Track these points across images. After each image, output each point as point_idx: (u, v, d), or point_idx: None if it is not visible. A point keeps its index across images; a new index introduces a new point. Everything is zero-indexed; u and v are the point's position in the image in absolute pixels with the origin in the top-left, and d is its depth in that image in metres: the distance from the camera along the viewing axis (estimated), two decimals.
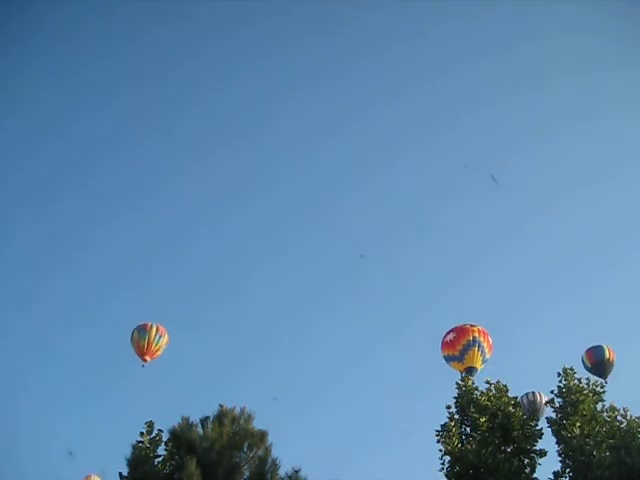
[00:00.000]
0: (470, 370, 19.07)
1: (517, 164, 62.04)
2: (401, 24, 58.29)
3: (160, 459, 15.74)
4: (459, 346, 18.82)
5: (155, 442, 16.03)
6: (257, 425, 15.12)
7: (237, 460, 14.53)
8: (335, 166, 65.53)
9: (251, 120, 65.01)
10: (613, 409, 16.77)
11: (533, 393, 29.52)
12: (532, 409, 28.33)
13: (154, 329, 30.98)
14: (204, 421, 15.02)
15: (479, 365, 18.96)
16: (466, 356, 18.92)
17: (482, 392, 17.53)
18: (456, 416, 17.30)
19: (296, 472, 14.52)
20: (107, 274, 58.24)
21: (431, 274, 59.72)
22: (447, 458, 16.57)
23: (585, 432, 16.24)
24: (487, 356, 19.35)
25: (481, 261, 60.90)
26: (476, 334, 18.19)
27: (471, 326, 18.34)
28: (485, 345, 19.08)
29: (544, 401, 29.31)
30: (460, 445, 16.54)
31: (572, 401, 16.99)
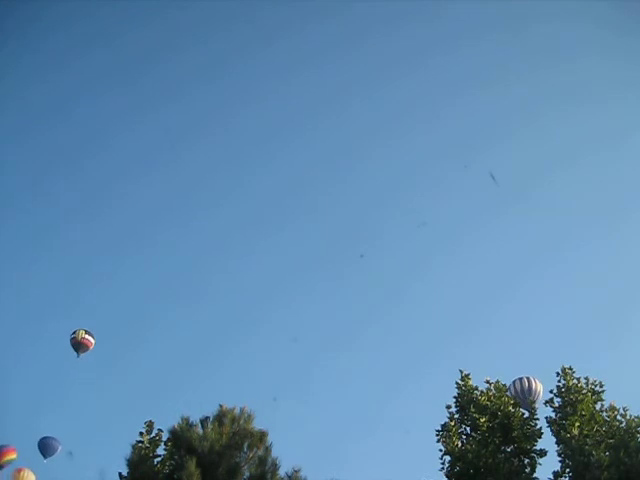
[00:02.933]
0: None
1: (504, 152, 62.01)
2: (387, 14, 58.33)
3: (160, 459, 15.77)
4: None
5: (155, 442, 16.05)
6: (258, 425, 15.12)
7: (237, 460, 14.51)
8: (319, 157, 65.54)
9: (236, 112, 65.23)
10: (613, 408, 16.78)
11: (528, 379, 29.01)
12: (524, 399, 28.18)
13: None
14: (204, 421, 15.00)
15: None
16: None
17: (482, 392, 17.51)
18: (456, 416, 17.30)
19: (296, 472, 14.52)
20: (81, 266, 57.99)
21: (420, 260, 59.63)
22: (447, 458, 16.58)
23: (584, 432, 16.24)
24: None
25: (469, 245, 60.86)
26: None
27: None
28: None
29: (539, 389, 29.08)
30: (460, 445, 16.56)
31: (571, 401, 16.99)
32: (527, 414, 17.25)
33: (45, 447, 32.61)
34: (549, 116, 60.20)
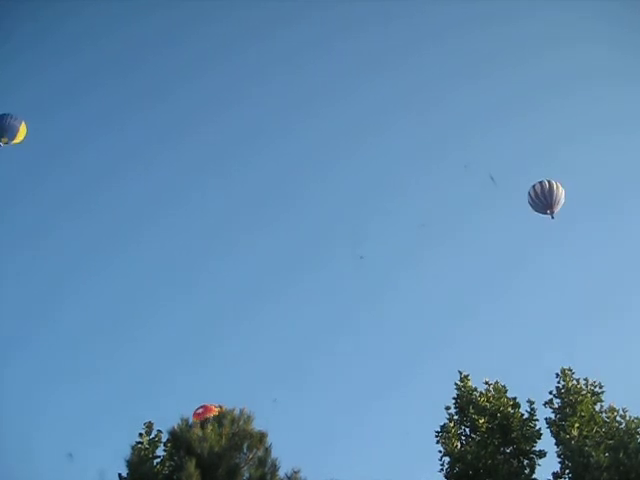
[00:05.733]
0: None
1: (493, 145, 61.82)
2: (374, 10, 58.16)
3: (159, 460, 15.80)
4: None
5: (154, 443, 16.09)
6: (257, 426, 15.15)
7: (237, 461, 14.52)
8: (305, 154, 65.25)
9: (223, 109, 65.22)
10: (612, 409, 16.78)
11: (549, 182, 25.93)
12: (544, 203, 25.20)
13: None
14: (203, 422, 15.03)
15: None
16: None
17: (481, 393, 17.53)
18: (455, 417, 17.31)
19: (296, 473, 14.53)
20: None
21: (405, 246, 59.35)
22: (446, 459, 16.61)
23: (584, 433, 16.25)
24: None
25: (462, 239, 60.35)
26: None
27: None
28: None
29: (560, 192, 25.49)
30: (459, 446, 16.58)
31: (570, 402, 17.00)
32: (526, 415, 17.25)
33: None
34: (540, 108, 59.95)
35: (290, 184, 63.50)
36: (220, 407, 27.75)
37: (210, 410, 27.83)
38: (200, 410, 27.76)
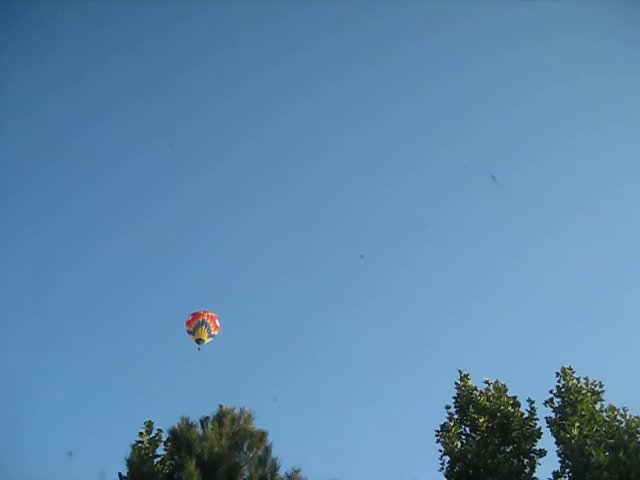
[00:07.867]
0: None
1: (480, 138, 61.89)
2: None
3: (159, 459, 15.79)
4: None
5: (154, 442, 16.07)
6: (258, 425, 15.18)
7: (237, 460, 14.56)
8: (291, 144, 65.19)
9: (225, 98, 65.26)
10: (612, 409, 16.77)
11: None
12: None
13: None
14: (204, 421, 15.06)
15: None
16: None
17: (481, 392, 17.52)
18: (455, 416, 17.32)
19: (296, 472, 14.56)
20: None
21: (404, 245, 59.29)
22: (447, 458, 16.61)
23: (584, 432, 16.23)
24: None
25: (448, 232, 60.38)
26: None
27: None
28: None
29: None
30: (460, 445, 16.58)
31: (571, 401, 16.99)
32: (527, 414, 17.24)
33: None
34: (540, 100, 59.83)
35: (285, 179, 63.53)
36: (208, 312, 28.65)
37: (199, 315, 28.73)
38: (190, 318, 28.92)
